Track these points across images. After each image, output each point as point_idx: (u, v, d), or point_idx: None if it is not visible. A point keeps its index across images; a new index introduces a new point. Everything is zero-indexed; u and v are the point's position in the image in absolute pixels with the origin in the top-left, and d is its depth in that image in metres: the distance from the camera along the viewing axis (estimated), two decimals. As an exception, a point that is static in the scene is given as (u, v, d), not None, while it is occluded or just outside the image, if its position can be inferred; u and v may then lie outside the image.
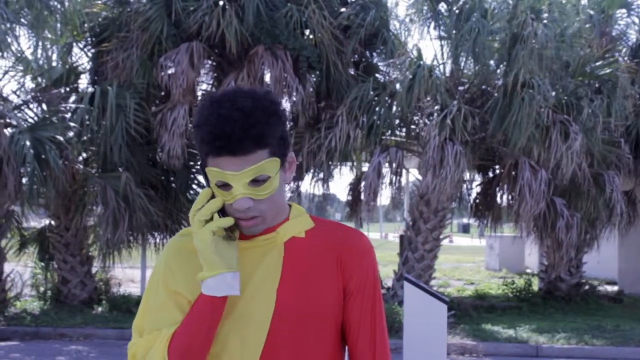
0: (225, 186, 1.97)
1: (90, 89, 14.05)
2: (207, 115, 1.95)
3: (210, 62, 15.10)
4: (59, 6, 14.55)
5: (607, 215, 15.07)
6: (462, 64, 14.88)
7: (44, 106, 14.86)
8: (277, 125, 1.96)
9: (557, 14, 14.38)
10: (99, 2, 15.23)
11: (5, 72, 15.01)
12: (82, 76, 15.78)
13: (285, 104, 14.97)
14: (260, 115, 1.93)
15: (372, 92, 13.93)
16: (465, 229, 69.92)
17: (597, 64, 14.88)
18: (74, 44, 15.55)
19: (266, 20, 13.79)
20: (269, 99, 1.98)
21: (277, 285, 2.02)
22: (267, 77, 13.86)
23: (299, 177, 15.50)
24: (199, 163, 15.58)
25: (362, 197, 14.28)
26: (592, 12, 16.51)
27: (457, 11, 14.39)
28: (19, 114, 14.35)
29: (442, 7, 14.98)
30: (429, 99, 13.97)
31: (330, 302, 2.04)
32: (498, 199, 16.11)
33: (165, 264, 2.09)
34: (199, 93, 15.52)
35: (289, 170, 2.07)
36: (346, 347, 2.14)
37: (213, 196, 2.02)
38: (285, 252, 2.06)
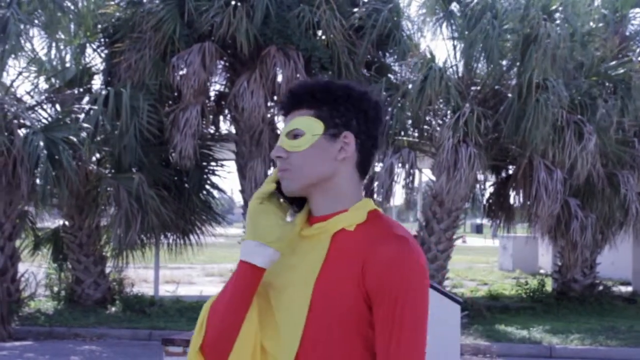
0: None
1: (104, 91, 14.09)
2: None
3: (222, 62, 15.12)
4: (72, 7, 14.61)
5: (621, 216, 14.99)
6: (475, 64, 14.83)
7: (58, 107, 14.92)
8: (342, 101, 2.09)
9: (570, 14, 14.32)
10: (112, 2, 15.28)
11: (19, 73, 15.08)
12: (96, 77, 15.85)
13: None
14: (326, 87, 2.11)
15: (384, 93, 13.91)
16: (478, 230, 69.71)
17: (611, 64, 14.82)
18: (87, 45, 15.62)
19: (278, 21, 13.79)
20: (360, 87, 2.14)
21: (315, 277, 2.02)
22: (279, 78, 13.86)
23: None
24: (211, 164, 15.63)
25: (375, 197, 14.25)
26: (605, 12, 16.43)
27: (469, 12, 14.34)
28: (33, 115, 14.41)
29: (455, 7, 14.94)
30: (441, 100, 13.94)
31: (350, 306, 1.98)
32: (512, 200, 16.06)
33: None
34: (212, 94, 15.54)
35: (343, 150, 2.08)
36: None
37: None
38: (331, 244, 2.05)
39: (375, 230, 2.03)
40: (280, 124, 15.14)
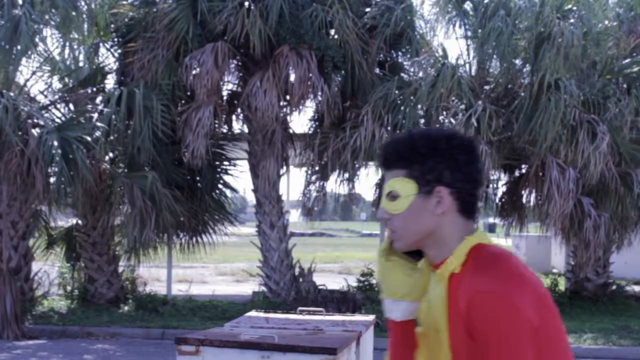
0: None
1: (117, 90, 14.12)
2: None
3: (235, 62, 15.12)
4: (85, 7, 14.65)
5: (635, 215, 14.92)
6: (488, 63, 14.80)
7: (71, 106, 14.96)
8: (430, 156, 2.11)
9: (584, 13, 14.27)
10: (125, 2, 15.31)
11: (33, 73, 15.13)
12: (109, 76, 15.86)
13: (310, 104, 15.00)
14: (411, 144, 2.13)
15: (397, 92, 13.90)
16: (491, 229, 69.36)
17: (625, 62, 14.75)
18: (101, 44, 15.66)
19: (291, 20, 13.79)
20: (443, 133, 2.16)
21: (446, 319, 2.07)
22: (292, 77, 13.86)
23: (323, 177, 15.50)
24: (224, 163, 15.65)
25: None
26: (619, 11, 16.35)
27: (482, 10, 14.32)
28: (47, 114, 14.45)
29: (468, 5, 14.92)
30: (454, 98, 13.92)
31: (458, 348, 2.03)
32: (524, 199, 16.01)
33: None
34: (224, 93, 15.56)
35: (439, 204, 2.11)
36: None
37: None
38: (448, 288, 2.08)
39: (468, 268, 2.05)
40: (293, 123, 15.13)
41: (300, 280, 15.13)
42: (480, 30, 14.28)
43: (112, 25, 15.21)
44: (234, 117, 15.91)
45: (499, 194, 16.52)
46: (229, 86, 15.86)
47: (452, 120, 14.04)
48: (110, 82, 15.83)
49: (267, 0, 13.63)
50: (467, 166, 2.12)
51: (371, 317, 5.57)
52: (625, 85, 14.68)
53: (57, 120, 14.39)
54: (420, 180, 2.11)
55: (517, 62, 14.80)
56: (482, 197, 15.51)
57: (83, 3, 14.58)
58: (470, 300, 1.94)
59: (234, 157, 15.88)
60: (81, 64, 15.69)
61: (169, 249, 15.88)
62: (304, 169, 15.88)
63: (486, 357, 1.91)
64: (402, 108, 13.90)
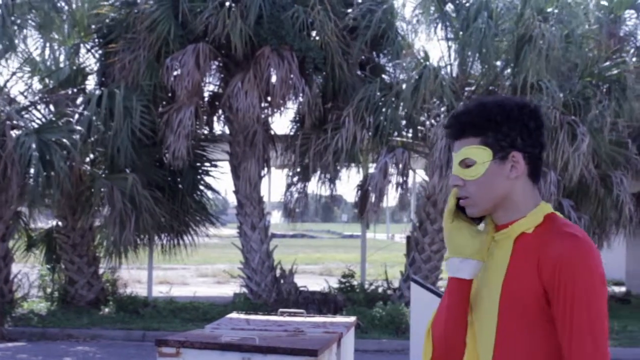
0: None
1: (98, 91, 14.07)
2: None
3: (216, 63, 15.10)
4: (66, 7, 14.58)
5: (615, 217, 14.99)
6: (469, 65, 14.84)
7: (52, 107, 14.89)
8: (503, 122, 2.22)
9: (564, 15, 14.34)
10: (106, 3, 15.25)
11: (13, 74, 15.05)
12: (90, 77, 15.82)
13: (292, 105, 15.00)
14: (485, 113, 2.23)
15: (378, 93, 13.91)
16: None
17: (605, 64, 14.83)
18: (81, 45, 15.58)
19: (272, 22, 13.78)
20: (514, 102, 2.26)
21: (502, 278, 2.19)
22: (274, 79, 13.85)
23: (305, 179, 15.50)
24: (205, 164, 15.62)
25: (370, 198, 14.25)
26: (599, 14, 16.43)
27: (464, 12, 14.36)
28: (26, 116, 14.38)
29: (449, 7, 14.95)
30: (435, 100, 13.95)
31: (531, 302, 2.14)
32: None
33: None
34: (205, 94, 15.53)
35: (514, 169, 2.23)
36: None
37: None
38: (514, 247, 2.21)
39: (549, 230, 2.19)
40: (275, 124, 15.11)
41: (282, 281, 15.12)
42: (461, 33, 14.31)
43: (93, 26, 15.16)
44: (215, 118, 15.88)
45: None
46: (210, 87, 15.85)
47: (434, 122, 14.07)
48: (91, 83, 15.81)
49: (247, 0, 13.61)
50: (536, 131, 2.25)
51: (352, 319, 5.57)
52: (605, 88, 14.73)
53: (37, 121, 14.32)
54: (495, 146, 2.22)
55: (498, 63, 14.85)
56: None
57: (64, 4, 14.51)
58: (556, 259, 2.09)
59: (215, 159, 15.86)
60: (62, 65, 15.60)
61: (149, 251, 15.82)
62: (285, 170, 15.87)
63: (571, 315, 2.06)
64: (383, 110, 13.92)
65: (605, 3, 16.77)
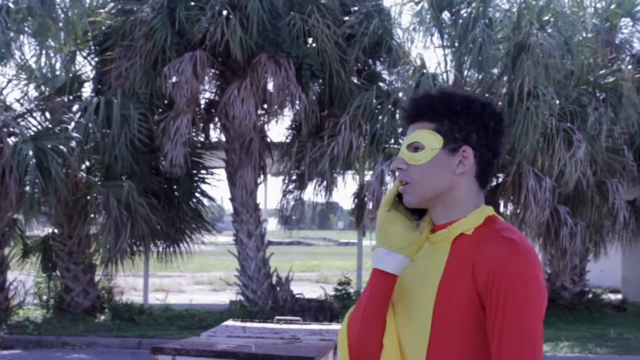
0: None
1: (95, 99, 14.06)
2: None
3: (213, 70, 15.10)
4: (62, 15, 14.58)
5: (611, 224, 15.02)
6: (466, 72, 14.86)
7: (47, 115, 14.88)
8: (462, 114, 2.13)
9: (561, 23, 14.37)
10: (103, 10, 15.25)
11: (9, 81, 15.04)
12: (86, 85, 15.82)
13: (288, 112, 15.01)
14: (447, 100, 2.14)
15: (375, 101, 13.92)
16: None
17: (601, 72, 14.86)
18: (78, 53, 15.58)
19: (269, 29, 13.79)
20: (480, 99, 2.18)
21: (439, 280, 2.07)
22: (270, 86, 13.86)
23: (301, 186, 15.50)
24: (201, 172, 15.62)
25: (366, 206, 14.25)
26: (596, 22, 16.48)
27: (460, 20, 14.38)
28: (22, 123, 14.37)
29: (446, 15, 14.98)
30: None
31: (465, 308, 2.01)
32: (501, 207, 16.07)
33: None
34: (202, 102, 15.53)
35: (462, 164, 2.13)
36: None
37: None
38: (452, 249, 2.11)
39: (487, 233, 2.08)
40: (271, 132, 15.11)
41: (278, 289, 15.10)
42: (458, 40, 14.33)
43: (89, 34, 15.15)
44: (211, 125, 15.88)
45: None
46: (206, 95, 15.84)
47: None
48: (87, 90, 15.81)
49: (244, 6, 13.61)
50: (493, 134, 2.16)
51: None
52: (602, 95, 14.77)
53: (33, 129, 14.31)
54: (448, 136, 2.12)
55: (495, 71, 14.87)
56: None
57: (60, 11, 14.51)
58: (497, 265, 1.97)
59: (211, 166, 15.85)
60: (58, 72, 15.60)
61: (145, 258, 15.81)
62: (282, 177, 15.88)
63: (502, 321, 1.94)
64: (380, 117, 13.93)
65: (602, 11, 16.82)
